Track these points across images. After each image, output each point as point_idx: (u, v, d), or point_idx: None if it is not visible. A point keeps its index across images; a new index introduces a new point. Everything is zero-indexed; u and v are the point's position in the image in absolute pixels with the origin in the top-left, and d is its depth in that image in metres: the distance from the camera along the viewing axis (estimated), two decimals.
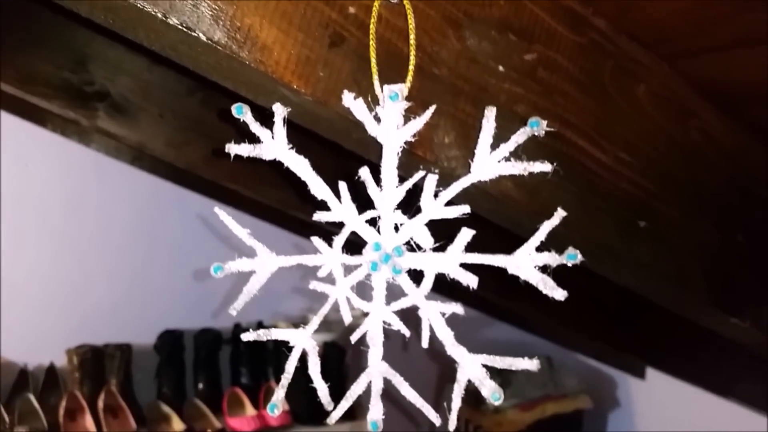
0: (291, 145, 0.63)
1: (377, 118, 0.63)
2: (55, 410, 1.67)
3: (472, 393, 0.62)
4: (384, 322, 0.64)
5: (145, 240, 2.02)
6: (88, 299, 1.93)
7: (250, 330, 0.65)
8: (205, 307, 1.99)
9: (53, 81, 1.27)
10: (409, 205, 0.64)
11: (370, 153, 0.66)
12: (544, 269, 0.62)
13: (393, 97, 0.62)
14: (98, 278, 1.95)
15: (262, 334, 0.64)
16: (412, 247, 0.64)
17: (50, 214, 1.87)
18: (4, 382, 1.73)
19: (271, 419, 1.78)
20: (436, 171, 0.69)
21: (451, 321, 0.64)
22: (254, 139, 0.63)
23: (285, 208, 1.64)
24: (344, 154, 0.77)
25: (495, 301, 2.07)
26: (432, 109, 0.63)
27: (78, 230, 1.91)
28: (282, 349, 0.65)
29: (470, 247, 0.63)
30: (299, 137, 0.70)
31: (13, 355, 1.80)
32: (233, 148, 0.63)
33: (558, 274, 0.61)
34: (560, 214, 0.62)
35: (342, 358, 1.93)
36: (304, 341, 0.64)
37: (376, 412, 0.63)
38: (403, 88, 0.63)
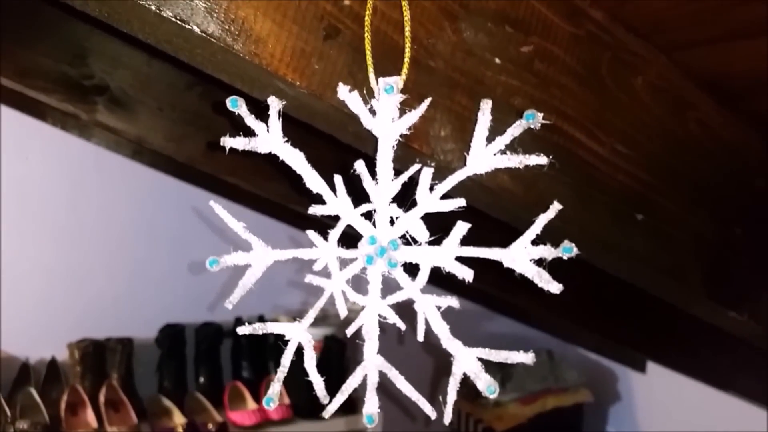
0: (287, 139, 0.63)
1: (372, 111, 0.63)
2: (56, 404, 1.67)
3: (471, 387, 0.62)
4: (379, 316, 0.64)
5: (145, 234, 2.02)
6: (89, 293, 1.93)
7: (246, 324, 0.65)
8: (206, 301, 1.99)
9: (52, 75, 1.27)
10: (405, 199, 0.64)
11: (367, 146, 0.66)
12: (540, 262, 0.62)
13: (388, 90, 0.62)
14: (99, 272, 1.95)
15: (258, 328, 0.64)
16: (408, 240, 0.64)
17: (51, 208, 1.88)
18: (6, 376, 1.74)
19: (272, 413, 1.78)
20: (433, 164, 0.69)
21: (452, 315, 0.64)
22: (250, 132, 0.63)
23: (285, 201, 1.64)
24: (344, 148, 0.76)
25: (495, 295, 2.07)
26: (427, 101, 0.63)
27: (79, 224, 1.92)
28: (282, 343, 0.65)
29: (468, 241, 0.63)
30: (299, 131, 0.70)
31: (14, 350, 1.80)
32: (228, 142, 0.63)
33: (557, 267, 0.61)
34: (556, 207, 0.62)
35: (343, 352, 1.94)
36: (300, 334, 0.64)
37: (371, 405, 0.63)
38: (398, 81, 0.63)
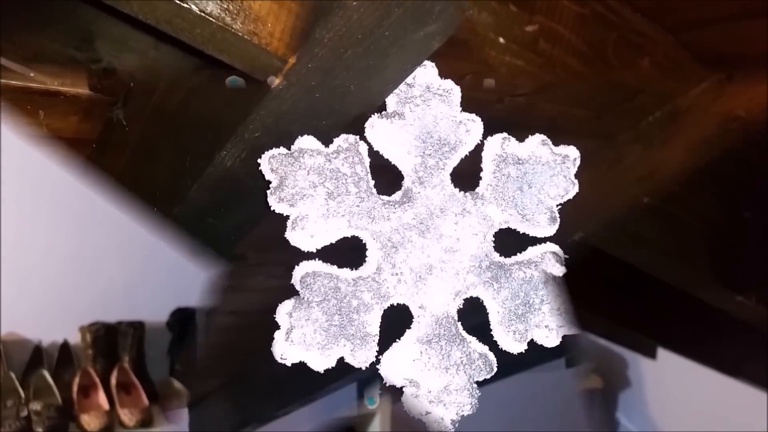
0: None
1: None
2: (68, 386, 1.70)
3: None
4: None
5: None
6: (101, 277, 1.94)
7: None
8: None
9: (59, 59, 1.27)
10: None
11: None
12: None
13: None
14: (111, 256, 1.96)
15: None
16: None
17: (62, 191, 1.88)
18: (20, 358, 1.76)
19: None
20: None
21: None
22: None
23: None
24: None
25: None
26: None
27: (90, 208, 1.92)
28: None
29: None
30: None
31: (27, 332, 1.83)
32: None
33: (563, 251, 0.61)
34: None
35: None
36: None
37: (372, 387, 0.63)
38: None
